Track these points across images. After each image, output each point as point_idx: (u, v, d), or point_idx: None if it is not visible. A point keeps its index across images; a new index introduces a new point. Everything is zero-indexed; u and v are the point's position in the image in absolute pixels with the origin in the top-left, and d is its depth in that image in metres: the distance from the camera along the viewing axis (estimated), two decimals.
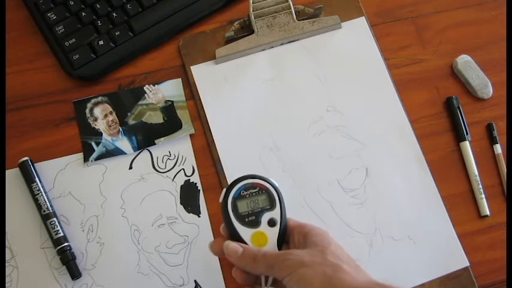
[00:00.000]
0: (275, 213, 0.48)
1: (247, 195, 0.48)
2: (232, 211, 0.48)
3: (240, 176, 0.49)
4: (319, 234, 0.47)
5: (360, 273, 0.44)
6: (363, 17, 0.68)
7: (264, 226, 0.48)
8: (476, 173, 0.62)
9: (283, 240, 0.48)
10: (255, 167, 0.60)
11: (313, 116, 0.63)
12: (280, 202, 0.49)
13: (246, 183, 0.49)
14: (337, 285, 0.42)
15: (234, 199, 0.48)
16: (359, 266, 0.46)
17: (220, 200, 0.49)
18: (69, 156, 0.60)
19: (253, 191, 0.49)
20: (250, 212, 0.48)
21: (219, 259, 0.57)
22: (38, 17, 0.64)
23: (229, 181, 0.51)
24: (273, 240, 0.47)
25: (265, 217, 0.48)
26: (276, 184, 0.49)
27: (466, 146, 0.63)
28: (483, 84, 0.66)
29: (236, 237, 0.47)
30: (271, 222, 0.48)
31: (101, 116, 0.62)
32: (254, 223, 0.48)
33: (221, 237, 0.49)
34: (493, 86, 0.66)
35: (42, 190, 0.57)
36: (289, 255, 0.45)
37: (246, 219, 0.48)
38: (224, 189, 0.49)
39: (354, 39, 0.67)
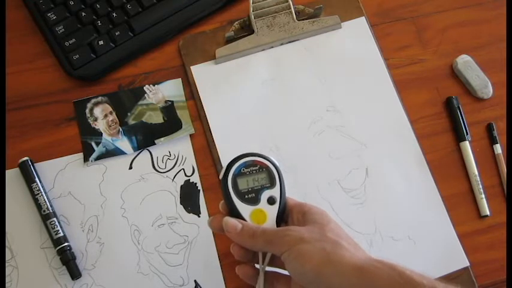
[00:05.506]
0: (275, 192, 0.48)
1: (248, 173, 0.48)
2: (232, 188, 0.48)
3: (241, 153, 0.49)
4: (319, 213, 0.47)
5: (358, 250, 0.44)
6: (363, 17, 0.68)
7: (263, 204, 0.48)
8: (476, 173, 0.62)
9: (282, 218, 0.48)
10: None
11: (313, 116, 0.63)
12: (280, 181, 0.48)
13: (246, 161, 0.49)
14: (336, 261, 0.42)
15: (235, 176, 0.48)
16: (357, 244, 0.46)
17: (220, 176, 0.49)
18: (69, 156, 0.60)
19: (254, 168, 0.49)
20: (250, 189, 0.48)
21: (219, 259, 0.57)
22: (38, 17, 0.64)
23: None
24: (272, 218, 0.47)
25: (265, 195, 0.48)
26: (277, 163, 0.49)
27: (466, 146, 0.63)
28: (483, 84, 0.66)
29: (235, 213, 0.47)
30: (271, 200, 0.48)
31: (101, 116, 0.62)
32: (254, 200, 0.48)
33: (220, 213, 0.49)
34: (493, 86, 0.66)
35: (42, 190, 0.57)
36: (288, 231, 0.45)
37: (246, 196, 0.48)
38: (225, 166, 0.49)
39: (354, 39, 0.67)
